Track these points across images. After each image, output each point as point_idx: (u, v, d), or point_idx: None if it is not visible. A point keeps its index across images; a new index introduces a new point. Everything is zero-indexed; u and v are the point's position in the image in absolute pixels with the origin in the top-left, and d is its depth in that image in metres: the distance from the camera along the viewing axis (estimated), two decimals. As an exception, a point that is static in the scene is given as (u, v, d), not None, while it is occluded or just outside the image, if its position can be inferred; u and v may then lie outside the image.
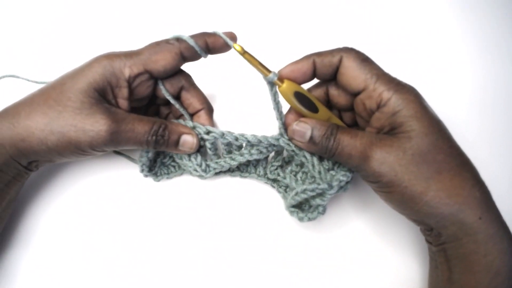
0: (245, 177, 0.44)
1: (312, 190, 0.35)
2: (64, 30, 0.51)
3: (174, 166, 0.43)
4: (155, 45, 0.37)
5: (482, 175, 0.32)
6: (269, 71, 0.34)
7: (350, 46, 0.34)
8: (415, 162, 0.31)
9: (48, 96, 0.34)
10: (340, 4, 0.53)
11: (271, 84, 0.34)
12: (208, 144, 0.39)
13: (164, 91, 0.39)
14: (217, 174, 0.43)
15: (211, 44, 0.37)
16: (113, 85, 0.36)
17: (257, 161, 0.43)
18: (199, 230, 0.42)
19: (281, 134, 0.38)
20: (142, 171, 0.41)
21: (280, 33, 0.51)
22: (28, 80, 0.39)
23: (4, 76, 0.39)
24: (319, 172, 0.36)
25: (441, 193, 0.31)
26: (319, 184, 0.35)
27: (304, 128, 0.35)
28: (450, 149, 0.31)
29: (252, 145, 0.39)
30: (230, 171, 0.43)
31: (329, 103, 0.39)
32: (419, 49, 0.51)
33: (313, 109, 0.35)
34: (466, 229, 0.31)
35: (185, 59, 0.38)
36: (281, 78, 0.34)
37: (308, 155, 0.37)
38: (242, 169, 0.44)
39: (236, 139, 0.38)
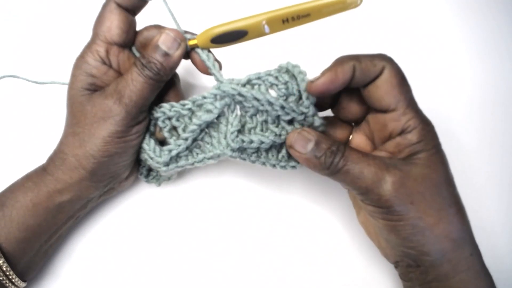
0: (210, 157, 0.37)
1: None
2: (64, 30, 0.50)
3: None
4: (98, 16, 0.35)
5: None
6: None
7: (388, 54, 0.32)
8: (431, 191, 0.30)
9: (71, 123, 0.35)
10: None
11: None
12: (160, 123, 0.37)
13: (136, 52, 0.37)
14: (181, 168, 0.37)
15: None
16: (98, 76, 0.35)
17: (217, 137, 0.37)
18: (192, 237, 0.42)
19: (219, 82, 0.34)
20: (141, 174, 0.41)
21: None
22: (28, 80, 0.39)
23: (4, 76, 0.39)
24: (282, 107, 0.32)
25: (450, 227, 0.30)
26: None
27: (308, 138, 0.32)
28: (452, 188, 0.32)
29: (198, 106, 0.36)
30: (193, 156, 0.37)
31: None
32: (418, 49, 0.51)
33: (242, 35, 0.33)
34: (459, 267, 0.30)
35: (131, 10, 0.35)
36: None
37: (260, 96, 0.33)
38: (204, 149, 0.37)
39: (183, 105, 0.36)
